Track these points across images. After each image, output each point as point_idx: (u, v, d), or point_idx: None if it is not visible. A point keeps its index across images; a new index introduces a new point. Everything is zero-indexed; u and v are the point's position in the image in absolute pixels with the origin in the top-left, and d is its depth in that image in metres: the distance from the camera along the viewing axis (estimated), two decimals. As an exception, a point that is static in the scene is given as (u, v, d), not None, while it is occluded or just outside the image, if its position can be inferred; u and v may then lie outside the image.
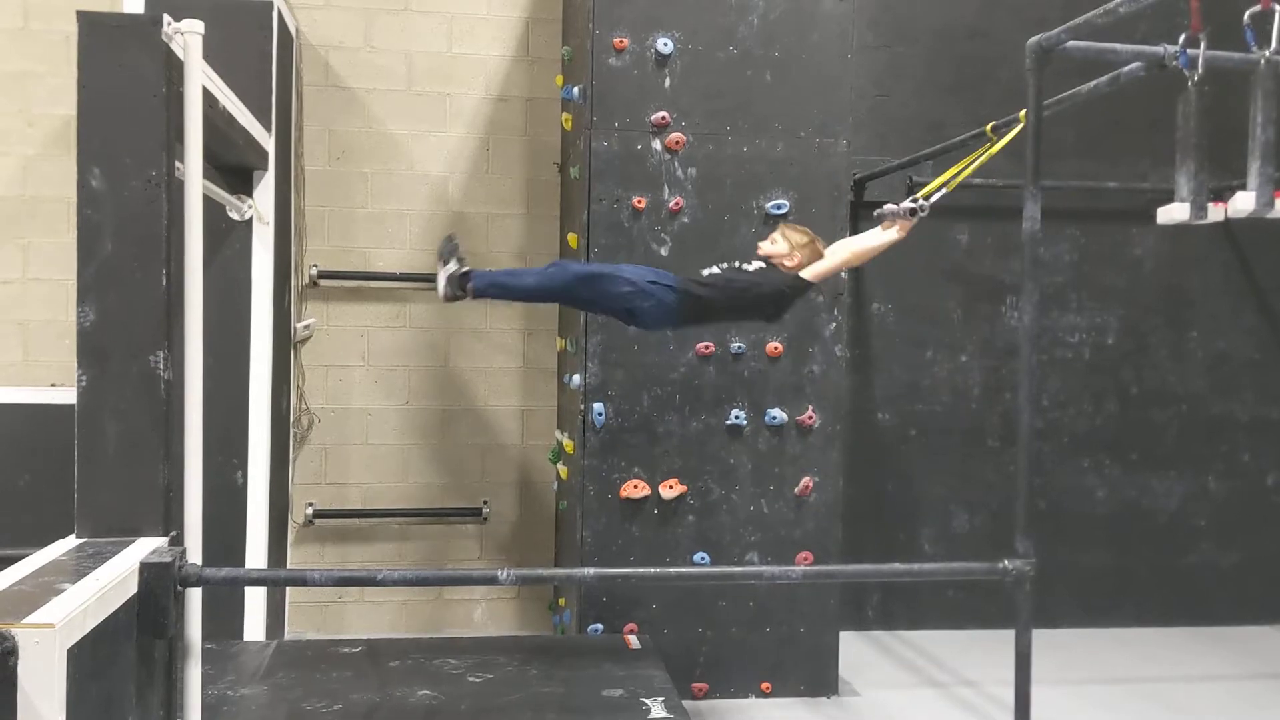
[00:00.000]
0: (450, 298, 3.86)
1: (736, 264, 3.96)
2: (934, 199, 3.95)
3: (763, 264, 3.94)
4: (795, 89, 4.71)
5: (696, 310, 3.86)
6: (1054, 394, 5.96)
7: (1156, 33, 3.44)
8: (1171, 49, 3.18)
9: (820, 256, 3.92)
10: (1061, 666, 5.23)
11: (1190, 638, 5.84)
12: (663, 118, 4.61)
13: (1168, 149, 3.13)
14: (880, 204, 4.90)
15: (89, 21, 2.93)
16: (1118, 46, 3.64)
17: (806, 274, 3.90)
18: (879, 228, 4.02)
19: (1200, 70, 3.04)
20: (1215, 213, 3.05)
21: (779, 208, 4.68)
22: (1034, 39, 3.57)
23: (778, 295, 3.93)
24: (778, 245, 3.93)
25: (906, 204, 3.93)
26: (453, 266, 3.83)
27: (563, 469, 5.21)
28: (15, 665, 2.14)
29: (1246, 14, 2.81)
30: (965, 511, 5.89)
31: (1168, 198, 3.12)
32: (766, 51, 4.69)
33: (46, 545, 2.84)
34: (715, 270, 3.91)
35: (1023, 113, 3.72)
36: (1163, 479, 6.06)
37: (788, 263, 3.89)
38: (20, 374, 5.25)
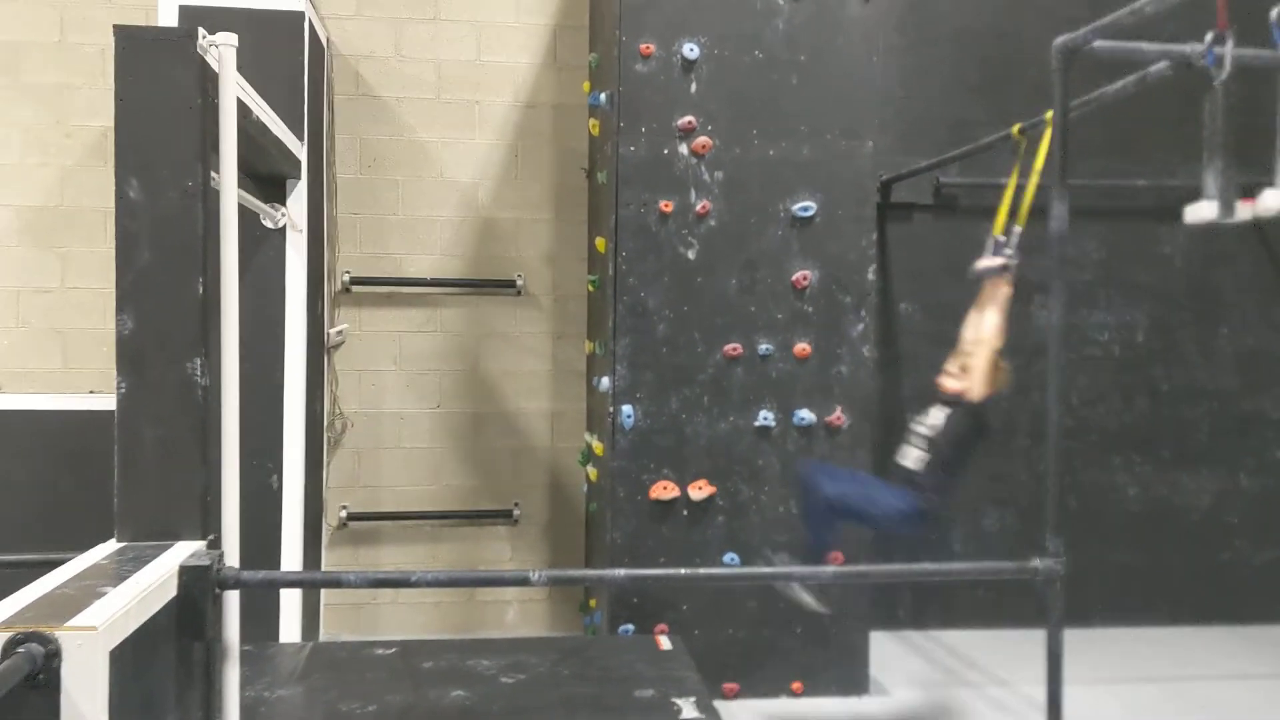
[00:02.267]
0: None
1: (921, 427, 3.94)
2: (1013, 241, 3.96)
3: (943, 406, 3.91)
4: (821, 92, 4.72)
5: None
6: (1083, 392, 5.93)
7: (1184, 31, 3.42)
8: (1198, 48, 3.17)
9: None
10: (1094, 666, 5.21)
11: (1224, 636, 5.79)
12: (689, 122, 4.64)
13: (1197, 146, 3.12)
14: (909, 203, 4.93)
15: (125, 35, 2.97)
16: (1144, 46, 3.63)
17: (978, 393, 3.87)
18: (985, 290, 4.01)
19: (1227, 68, 3.03)
20: (1243, 210, 3.04)
21: (805, 210, 4.70)
22: (1060, 39, 3.56)
23: (978, 431, 3.95)
24: (961, 380, 3.90)
25: (996, 261, 3.95)
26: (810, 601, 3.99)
27: (592, 471, 5.25)
28: (59, 667, 2.18)
29: (1273, 12, 2.81)
30: (995, 510, 5.87)
31: (1196, 195, 3.11)
32: (792, 55, 4.70)
33: (88, 549, 2.89)
34: (920, 454, 3.89)
35: (1049, 114, 3.72)
36: (1194, 476, 6.01)
37: (970, 394, 3.86)
38: (60, 381, 5.35)
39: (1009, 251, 3.95)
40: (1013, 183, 4.08)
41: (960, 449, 3.93)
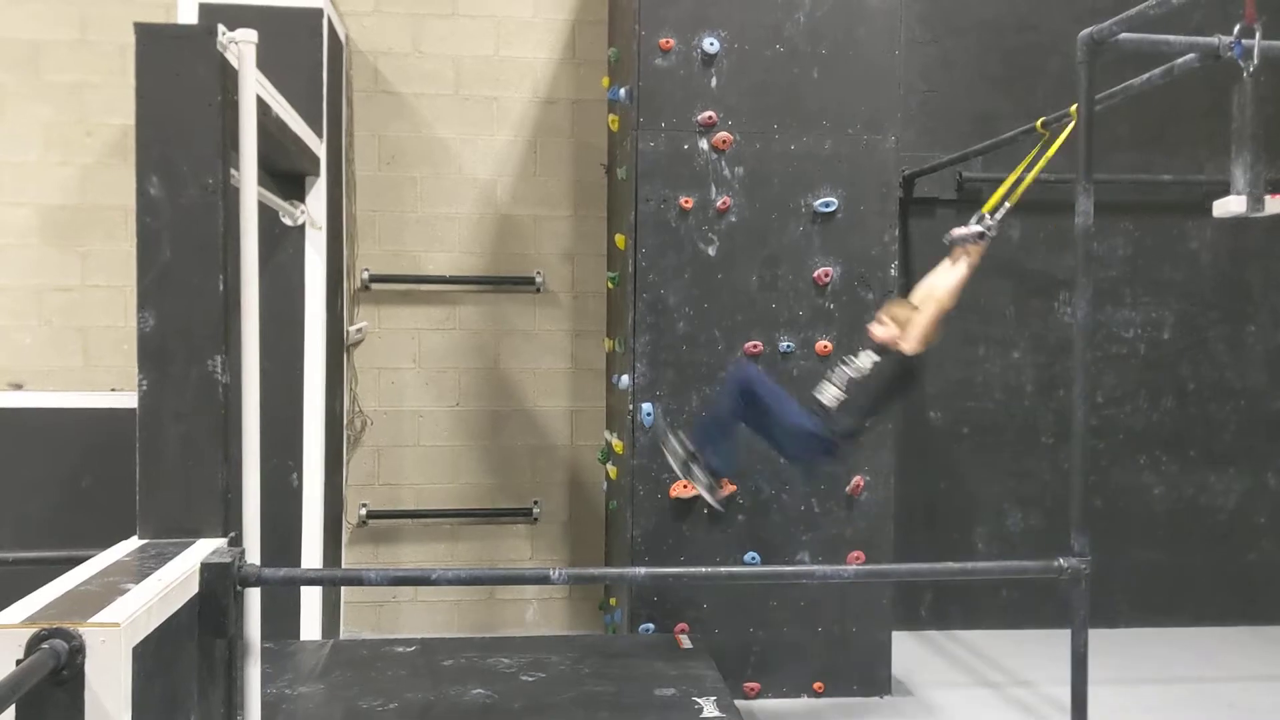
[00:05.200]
0: (708, 485, 3.97)
1: (847, 364, 3.94)
2: (999, 216, 3.94)
3: (873, 353, 3.91)
4: (843, 85, 4.69)
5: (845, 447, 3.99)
6: (1109, 390, 5.87)
7: (1211, 23, 3.39)
8: (1226, 39, 3.14)
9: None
10: (1119, 666, 5.16)
11: (1251, 637, 5.73)
12: (709, 117, 4.61)
13: (1225, 139, 3.08)
14: (932, 198, 4.86)
15: (146, 32, 2.98)
16: (1171, 38, 3.60)
17: (912, 348, 3.85)
18: (947, 260, 4.01)
19: (1255, 60, 3.00)
20: (1273, 204, 3.01)
21: (827, 205, 4.66)
22: (1085, 31, 3.53)
23: (901, 386, 3.99)
24: (889, 329, 3.89)
25: (974, 228, 3.93)
26: (676, 448, 3.93)
27: (612, 469, 5.23)
28: (83, 663, 2.18)
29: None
30: (1019, 510, 5.83)
31: (1224, 190, 3.08)
32: (813, 48, 4.67)
33: (110, 546, 2.89)
34: (838, 393, 3.88)
35: (1074, 107, 3.68)
36: (1221, 476, 5.95)
37: (902, 344, 3.85)
38: (81, 379, 5.36)
39: (990, 224, 3.94)
40: (1019, 171, 4.06)
41: (880, 398, 3.94)
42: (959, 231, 3.97)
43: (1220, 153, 3.37)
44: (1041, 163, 4.02)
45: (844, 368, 3.93)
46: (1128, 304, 5.89)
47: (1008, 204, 3.98)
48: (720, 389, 4.10)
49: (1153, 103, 5.42)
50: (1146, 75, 3.79)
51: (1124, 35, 3.46)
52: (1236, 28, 3.00)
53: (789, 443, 3.94)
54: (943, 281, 3.98)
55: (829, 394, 3.89)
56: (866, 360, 3.90)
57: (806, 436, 3.85)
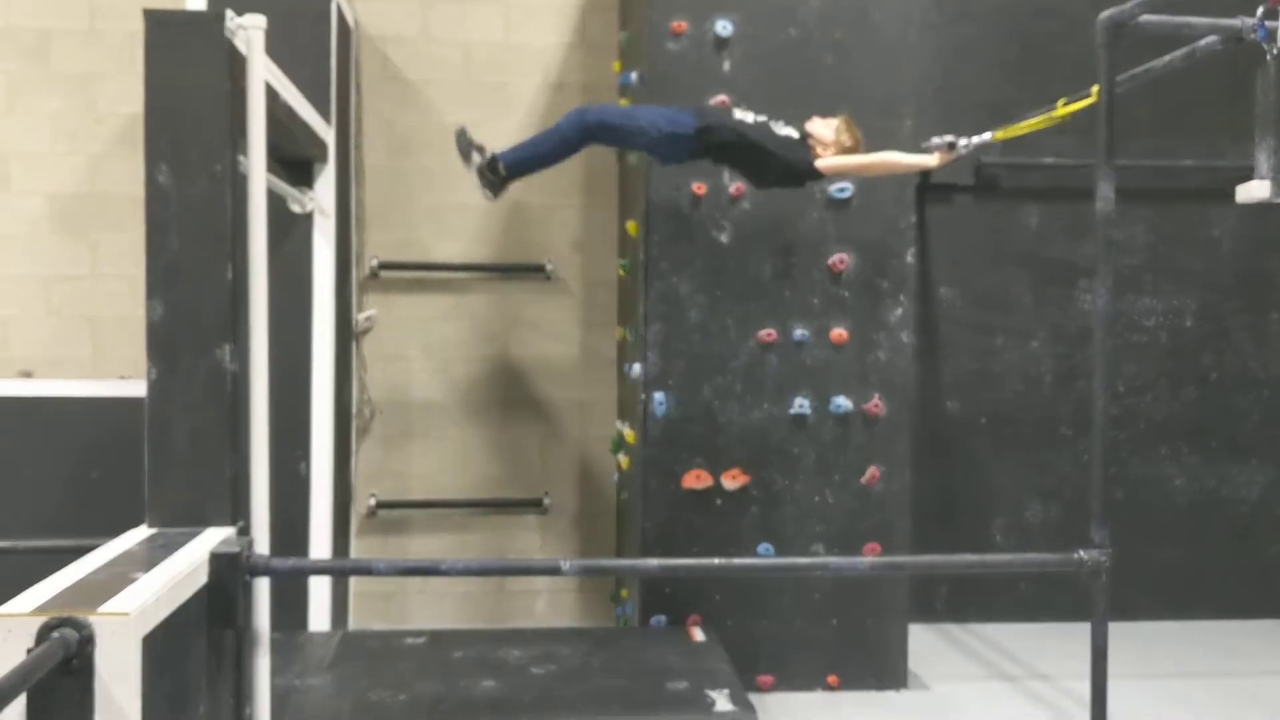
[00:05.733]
0: (492, 188, 4.14)
1: (772, 123, 4.17)
2: (974, 142, 4.19)
3: (796, 135, 4.15)
4: (857, 70, 4.63)
5: (708, 154, 4.15)
6: (1129, 380, 5.80)
7: (1234, 4, 3.33)
8: (1249, 21, 3.09)
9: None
10: (1139, 660, 5.11)
11: (1273, 630, 5.67)
12: (722, 101, 4.55)
13: (1248, 124, 3.03)
14: (950, 184, 4.80)
15: (155, 20, 2.97)
16: (1193, 20, 3.53)
17: (822, 164, 4.09)
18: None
19: None
20: (1298, 190, 2.96)
21: (842, 191, 4.61)
22: (1106, 14, 3.47)
23: (785, 171, 4.13)
24: (826, 133, 4.12)
25: (948, 138, 4.18)
26: (477, 159, 4.10)
27: (623, 459, 5.19)
28: (92, 653, 2.18)
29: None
30: (1038, 502, 5.77)
31: (1247, 175, 3.03)
32: (827, 32, 4.62)
33: (119, 535, 2.88)
34: (749, 120, 4.13)
35: (1095, 88, 3.62)
36: (1243, 467, 5.88)
37: (820, 150, 4.11)
38: (90, 368, 5.34)
39: (966, 142, 4.19)
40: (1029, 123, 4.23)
41: (753, 148, 4.09)
42: (935, 140, 4.22)
43: (1243, 138, 3.31)
44: (1040, 120, 4.14)
45: (768, 118, 4.18)
46: (1148, 292, 5.82)
47: (990, 136, 4.24)
48: (552, 133, 4.21)
49: (1174, 87, 5.33)
50: (1167, 58, 3.73)
51: (1144, 17, 3.40)
52: (1260, 9, 2.95)
53: (655, 148, 4.13)
54: (899, 153, 4.24)
55: (743, 116, 4.17)
56: (783, 129, 4.15)
57: (670, 140, 4.05)
